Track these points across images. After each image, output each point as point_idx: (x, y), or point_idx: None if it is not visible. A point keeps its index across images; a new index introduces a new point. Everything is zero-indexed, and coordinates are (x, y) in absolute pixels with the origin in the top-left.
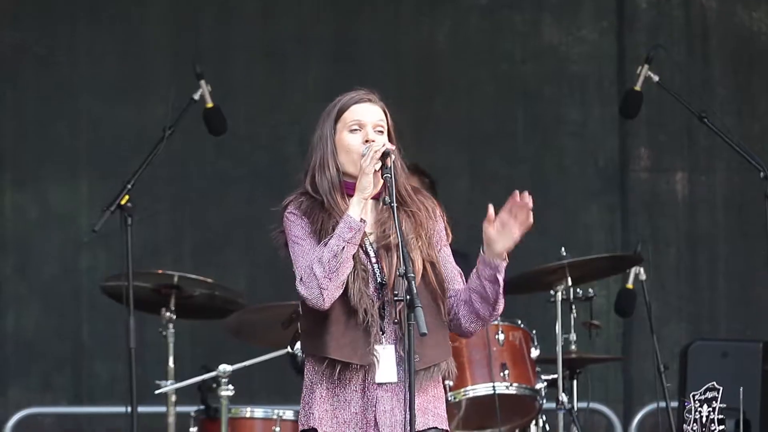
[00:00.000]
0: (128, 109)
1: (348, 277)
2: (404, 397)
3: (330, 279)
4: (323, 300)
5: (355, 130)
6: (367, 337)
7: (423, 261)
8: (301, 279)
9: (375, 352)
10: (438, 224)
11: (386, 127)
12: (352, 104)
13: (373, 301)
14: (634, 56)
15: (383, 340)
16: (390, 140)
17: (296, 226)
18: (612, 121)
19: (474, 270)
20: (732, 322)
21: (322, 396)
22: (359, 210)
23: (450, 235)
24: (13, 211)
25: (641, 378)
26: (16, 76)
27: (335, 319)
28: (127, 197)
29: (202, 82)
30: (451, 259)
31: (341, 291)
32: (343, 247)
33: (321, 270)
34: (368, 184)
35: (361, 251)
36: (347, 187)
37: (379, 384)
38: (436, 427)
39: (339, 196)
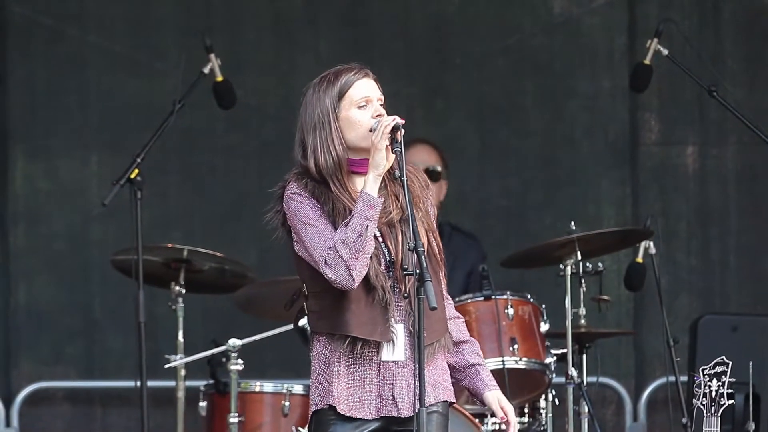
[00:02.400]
0: (138, 81)
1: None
2: (414, 372)
3: (357, 259)
4: (353, 280)
5: (364, 106)
6: (385, 314)
7: (425, 232)
8: (325, 262)
9: (393, 329)
10: (430, 200)
11: (383, 100)
12: (356, 81)
13: (386, 278)
14: (645, 28)
15: (394, 317)
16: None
17: (306, 207)
18: (623, 94)
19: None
20: (743, 297)
21: (339, 374)
22: (376, 187)
23: (435, 213)
24: (23, 184)
25: (653, 352)
26: (26, 48)
27: (355, 297)
28: (136, 171)
29: (212, 56)
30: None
31: (366, 269)
32: (367, 226)
33: (347, 251)
34: (381, 160)
35: None
36: (353, 164)
37: (395, 361)
38: (446, 401)
39: (345, 176)
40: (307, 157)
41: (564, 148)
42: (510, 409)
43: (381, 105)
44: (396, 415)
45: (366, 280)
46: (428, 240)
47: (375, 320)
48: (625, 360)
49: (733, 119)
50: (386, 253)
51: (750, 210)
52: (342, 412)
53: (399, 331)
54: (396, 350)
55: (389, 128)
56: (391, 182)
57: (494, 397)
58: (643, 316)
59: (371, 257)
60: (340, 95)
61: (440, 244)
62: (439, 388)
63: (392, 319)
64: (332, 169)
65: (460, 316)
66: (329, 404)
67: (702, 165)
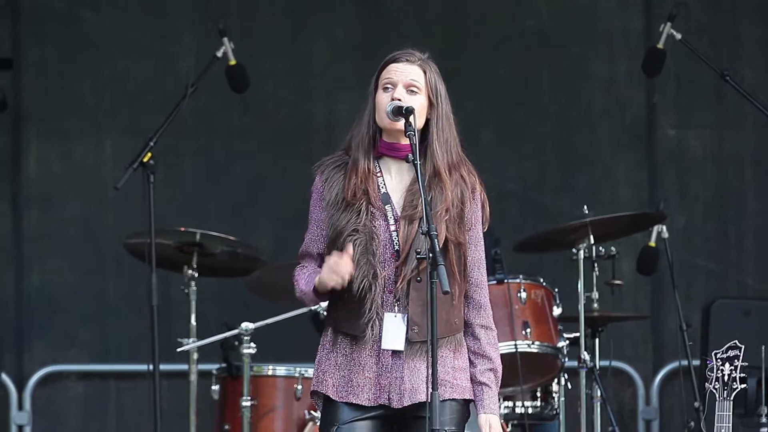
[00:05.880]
0: (152, 65)
1: (347, 246)
2: (422, 359)
3: (297, 298)
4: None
5: (387, 88)
6: (361, 306)
7: (447, 238)
8: (300, 256)
9: (372, 321)
10: (475, 204)
11: (423, 88)
12: (390, 63)
13: (375, 270)
14: (661, 11)
15: (396, 308)
16: (430, 101)
17: (313, 199)
18: (639, 77)
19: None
20: (759, 280)
21: (337, 364)
22: (323, 295)
23: (488, 222)
24: (36, 167)
25: (670, 336)
26: (40, 32)
27: (342, 291)
28: (149, 155)
29: (225, 40)
30: (481, 245)
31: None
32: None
33: (297, 288)
34: (324, 287)
35: (380, 217)
36: (384, 146)
37: (394, 352)
38: (454, 399)
39: (364, 152)
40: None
41: (580, 132)
42: None
43: (412, 91)
44: (388, 404)
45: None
46: (449, 249)
47: (354, 313)
48: (642, 344)
49: (749, 102)
50: (395, 242)
51: (767, 193)
52: (338, 400)
53: (398, 320)
54: (392, 340)
55: (329, 283)
56: (435, 176)
57: (486, 420)
58: (660, 300)
59: (359, 247)
60: (377, 75)
61: (465, 260)
62: (447, 386)
63: (387, 309)
64: (355, 144)
65: (493, 328)
66: (322, 392)
67: (719, 148)
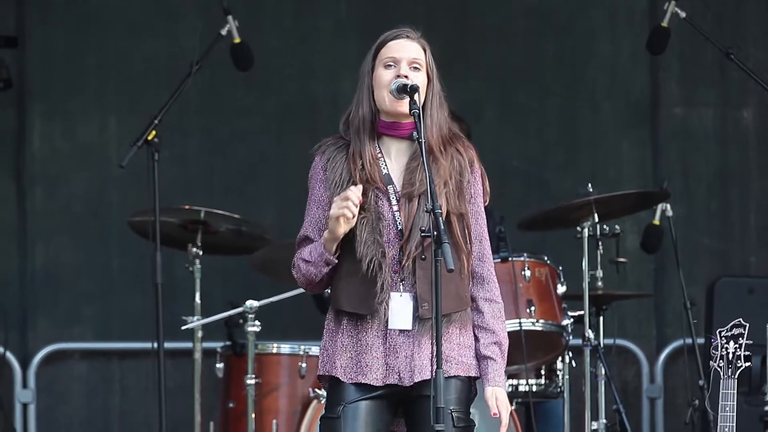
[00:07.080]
0: (157, 43)
1: (356, 226)
2: (431, 336)
3: (304, 283)
4: (295, 272)
5: (390, 66)
6: (373, 286)
7: (448, 211)
8: (297, 245)
9: (384, 301)
10: (473, 178)
11: (424, 66)
12: (389, 41)
13: (383, 249)
14: None
15: (401, 287)
16: (428, 79)
17: (314, 180)
18: (643, 56)
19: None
20: (763, 259)
21: (343, 345)
22: (333, 247)
23: (487, 195)
24: (41, 145)
25: (673, 314)
26: (45, 10)
27: (346, 270)
28: (154, 132)
29: (229, 18)
30: (482, 218)
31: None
32: (317, 273)
33: (301, 265)
34: (333, 231)
35: (383, 198)
36: (383, 126)
37: (401, 330)
38: (458, 376)
39: (367, 136)
40: (347, 110)
41: (584, 110)
42: (505, 409)
43: (415, 68)
44: (398, 383)
45: (355, 253)
46: (452, 221)
47: (363, 293)
48: (646, 322)
49: (753, 80)
50: (398, 222)
51: None
52: (347, 381)
53: (405, 300)
54: (400, 320)
55: (338, 212)
56: (428, 153)
57: (492, 392)
58: (664, 278)
59: (366, 228)
60: (375, 53)
61: (469, 231)
62: (452, 362)
63: (392, 289)
64: (356, 127)
65: (498, 301)
66: (330, 374)
67: (722, 126)
